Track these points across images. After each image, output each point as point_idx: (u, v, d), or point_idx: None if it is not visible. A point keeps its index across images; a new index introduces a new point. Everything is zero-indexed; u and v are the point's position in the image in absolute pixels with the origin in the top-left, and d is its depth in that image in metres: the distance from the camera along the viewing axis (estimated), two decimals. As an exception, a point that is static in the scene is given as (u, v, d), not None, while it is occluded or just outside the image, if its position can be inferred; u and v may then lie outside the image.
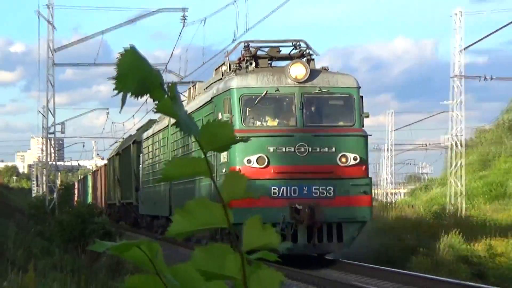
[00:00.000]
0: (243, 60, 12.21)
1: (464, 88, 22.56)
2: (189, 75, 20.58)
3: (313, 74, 10.78)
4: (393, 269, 10.75)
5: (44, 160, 26.35)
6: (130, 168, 22.12)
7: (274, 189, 10.20)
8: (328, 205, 10.28)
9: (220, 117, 10.81)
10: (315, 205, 10.12)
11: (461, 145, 22.57)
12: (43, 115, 21.68)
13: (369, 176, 11.44)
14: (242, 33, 16.10)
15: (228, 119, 10.32)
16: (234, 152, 10.29)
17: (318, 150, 10.38)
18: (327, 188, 10.31)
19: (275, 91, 10.55)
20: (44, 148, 24.15)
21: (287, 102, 10.89)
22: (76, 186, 38.88)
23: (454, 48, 22.46)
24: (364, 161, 10.81)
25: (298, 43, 11.85)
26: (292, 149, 10.31)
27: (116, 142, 35.24)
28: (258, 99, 10.54)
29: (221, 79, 12.66)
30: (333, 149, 10.43)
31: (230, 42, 16.68)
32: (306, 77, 10.59)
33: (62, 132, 27.16)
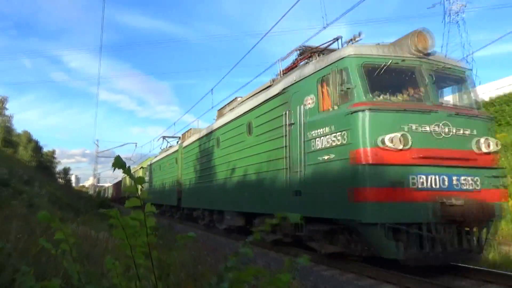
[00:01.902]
0: (297, 64, 10.66)
1: None
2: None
3: None
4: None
5: (93, 184, 69.85)
6: None
7: (420, 178, 7.32)
8: (477, 200, 7.66)
9: (309, 101, 8.81)
10: (470, 200, 7.48)
11: None
12: (93, 171, 63.70)
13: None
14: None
15: (348, 89, 7.79)
16: (363, 130, 7.37)
17: (462, 132, 7.96)
18: (475, 179, 7.84)
19: (402, 61, 8.09)
20: (93, 180, 69.68)
21: (415, 75, 8.31)
22: (102, 192, 77.16)
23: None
24: (498, 149, 8.41)
25: (338, 39, 9.97)
26: (436, 129, 7.68)
27: (116, 180, 76.74)
28: (383, 69, 7.90)
29: (269, 86, 11.37)
30: (475, 132, 8.07)
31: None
32: (432, 49, 8.39)
33: (99, 177, 74.03)
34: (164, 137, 27.97)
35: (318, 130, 8.37)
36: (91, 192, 62.86)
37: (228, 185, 13.04)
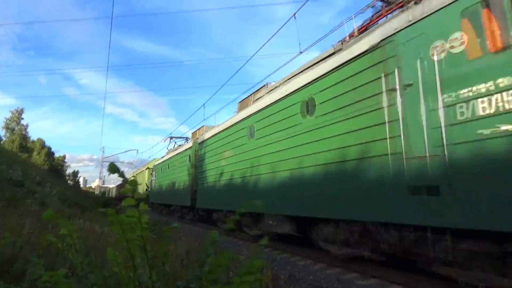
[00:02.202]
0: (373, 22, 7.98)
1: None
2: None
3: None
4: None
5: (98, 185, 64.10)
6: (142, 181, 37.75)
7: None
8: None
9: (449, 46, 5.56)
10: None
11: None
12: (99, 174, 58.35)
13: None
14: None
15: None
16: None
17: None
18: None
19: None
20: (99, 182, 62.54)
21: None
22: (107, 192, 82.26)
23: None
24: None
25: None
26: None
27: (118, 182, 77.49)
28: None
29: (332, 54, 8.58)
30: None
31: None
32: None
33: (104, 179, 70.18)
34: (171, 137, 26.58)
35: (480, 86, 5.16)
36: (97, 192, 66.53)
37: (270, 182, 10.12)
